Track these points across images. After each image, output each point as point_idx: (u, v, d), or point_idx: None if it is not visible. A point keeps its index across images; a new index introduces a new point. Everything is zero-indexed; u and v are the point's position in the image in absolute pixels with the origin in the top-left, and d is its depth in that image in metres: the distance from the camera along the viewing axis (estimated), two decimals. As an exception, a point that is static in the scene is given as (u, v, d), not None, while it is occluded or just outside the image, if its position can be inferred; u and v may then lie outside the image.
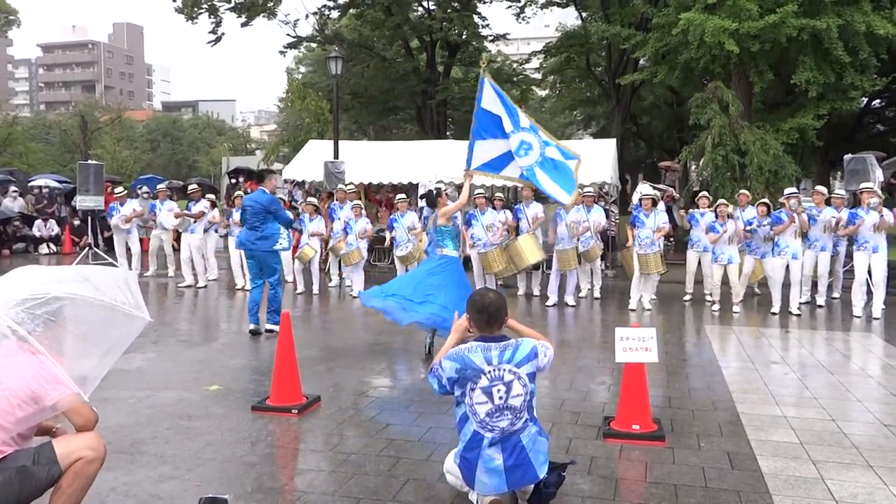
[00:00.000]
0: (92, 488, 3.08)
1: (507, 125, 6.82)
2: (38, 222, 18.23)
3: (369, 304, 6.93)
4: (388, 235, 11.79)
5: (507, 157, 6.93)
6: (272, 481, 4.03)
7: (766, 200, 10.58)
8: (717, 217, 10.25)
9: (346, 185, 13.34)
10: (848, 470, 4.18)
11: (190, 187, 13.48)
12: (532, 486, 3.50)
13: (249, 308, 8.32)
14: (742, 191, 11.59)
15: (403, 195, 12.08)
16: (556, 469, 3.57)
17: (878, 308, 9.75)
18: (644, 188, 11.02)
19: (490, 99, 6.88)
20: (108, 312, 3.08)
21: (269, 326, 8.15)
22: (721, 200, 10.62)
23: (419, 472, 4.12)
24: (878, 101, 24.90)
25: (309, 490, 3.89)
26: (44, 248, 17.77)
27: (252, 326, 8.19)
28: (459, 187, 9.22)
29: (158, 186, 13.91)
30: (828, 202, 10.85)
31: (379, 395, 5.82)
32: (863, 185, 10.60)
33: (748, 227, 10.24)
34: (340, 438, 4.75)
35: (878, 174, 14.52)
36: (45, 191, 19.64)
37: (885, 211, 9.70)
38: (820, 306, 10.55)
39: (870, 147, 19.64)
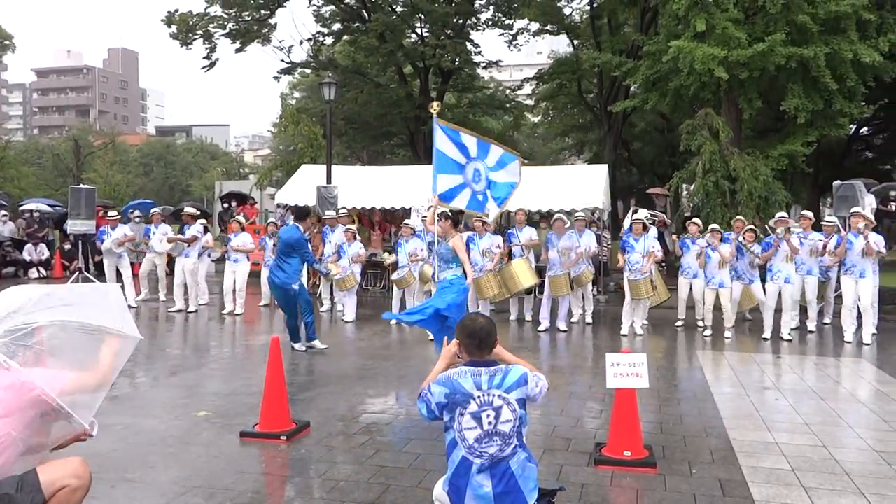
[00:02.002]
0: (76, 517, 3.03)
1: (461, 158, 7.84)
2: (29, 246, 18.13)
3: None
4: (389, 258, 11.83)
5: (458, 189, 7.83)
6: (259, 509, 3.98)
7: (752, 226, 10.63)
8: (708, 243, 10.26)
9: (338, 210, 13.36)
10: (840, 497, 4.16)
11: (186, 210, 13.51)
12: (522, 513, 3.46)
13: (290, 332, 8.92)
14: (739, 217, 11.55)
15: (410, 221, 12.11)
16: (546, 496, 3.53)
17: (867, 334, 9.76)
18: (639, 214, 11.04)
19: (441, 140, 7.75)
20: (98, 335, 3.05)
21: (304, 345, 8.84)
22: (713, 226, 10.62)
23: (408, 499, 4.08)
24: (866, 128, 25.25)
25: (296, 518, 3.84)
26: (34, 273, 17.66)
27: (296, 346, 8.82)
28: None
29: (152, 210, 13.90)
30: (816, 227, 10.90)
31: (369, 421, 5.77)
32: (852, 210, 10.67)
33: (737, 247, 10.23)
34: (330, 465, 4.70)
35: (870, 200, 14.65)
36: (35, 215, 19.57)
37: (871, 235, 9.75)
38: (811, 332, 10.56)
39: (859, 173, 19.86)
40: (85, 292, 3.18)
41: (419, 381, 7.05)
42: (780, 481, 4.41)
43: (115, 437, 5.15)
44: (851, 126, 20.94)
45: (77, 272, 15.32)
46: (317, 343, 8.87)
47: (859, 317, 10.01)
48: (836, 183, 13.63)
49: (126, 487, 4.22)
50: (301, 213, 9.39)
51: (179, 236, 12.58)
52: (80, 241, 15.79)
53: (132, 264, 13.86)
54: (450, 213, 7.51)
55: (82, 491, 2.97)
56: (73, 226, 15.48)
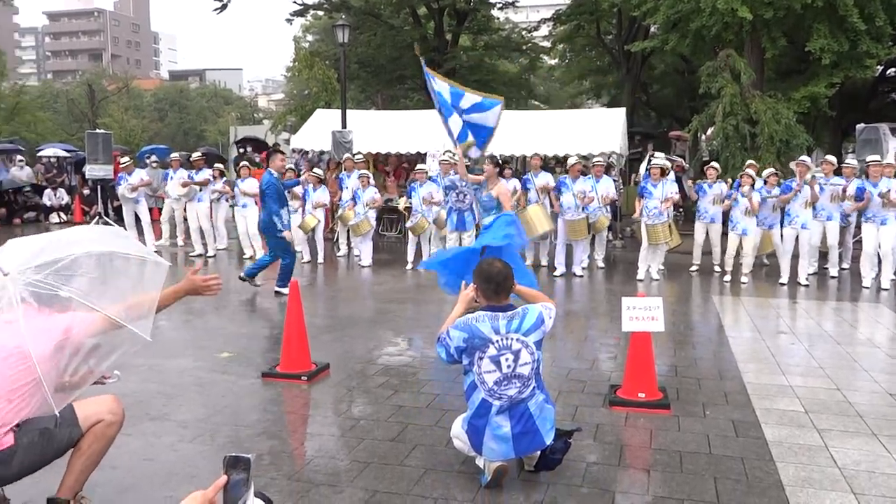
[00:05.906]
0: (111, 452, 3.15)
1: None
2: (48, 191, 18.31)
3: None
4: (402, 203, 11.80)
5: (465, 129, 7.21)
6: (283, 446, 4.11)
7: (774, 170, 10.50)
8: (739, 186, 10.13)
9: (353, 155, 13.32)
10: (852, 438, 4.22)
11: (193, 155, 13.56)
12: (538, 452, 3.56)
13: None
14: (751, 161, 11.30)
15: (423, 165, 12.06)
16: (563, 436, 3.62)
17: (886, 279, 9.72)
18: (657, 159, 10.90)
19: (435, 85, 7.23)
20: (125, 262, 3.08)
21: (276, 288, 8.75)
22: (748, 170, 10.43)
23: (427, 437, 4.18)
24: (893, 69, 24.49)
25: (318, 454, 3.96)
26: (54, 217, 17.87)
27: (242, 275, 8.94)
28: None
29: (172, 155, 13.95)
30: (838, 172, 10.75)
31: (387, 362, 5.88)
32: (870, 159, 10.46)
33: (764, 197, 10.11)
34: (349, 405, 4.82)
35: (894, 144, 14.37)
36: (53, 160, 19.67)
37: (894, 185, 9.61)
38: (833, 277, 10.49)
39: (884, 117, 19.37)
40: (101, 229, 3.19)
41: (436, 325, 7.13)
42: (792, 422, 4.47)
43: (140, 377, 5.29)
44: (878, 68, 20.36)
45: (97, 217, 15.50)
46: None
47: (878, 263, 9.96)
48: (860, 126, 13.37)
49: (154, 425, 4.35)
50: (268, 154, 9.33)
51: (190, 180, 12.63)
52: (98, 186, 15.91)
53: (150, 209, 13.99)
54: (497, 160, 7.33)
55: (116, 426, 3.09)
56: (91, 171, 15.59)
